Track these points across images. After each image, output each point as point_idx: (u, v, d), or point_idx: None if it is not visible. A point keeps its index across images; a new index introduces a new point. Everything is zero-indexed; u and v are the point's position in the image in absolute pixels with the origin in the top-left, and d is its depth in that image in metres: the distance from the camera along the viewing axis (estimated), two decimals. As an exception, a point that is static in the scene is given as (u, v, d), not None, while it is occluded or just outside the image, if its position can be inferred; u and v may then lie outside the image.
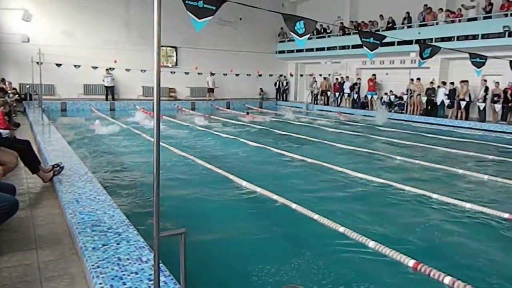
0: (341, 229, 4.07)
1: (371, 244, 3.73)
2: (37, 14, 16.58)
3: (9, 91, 13.60)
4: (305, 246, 3.84)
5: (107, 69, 18.60)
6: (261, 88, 23.91)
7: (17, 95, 14.69)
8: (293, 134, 11.42)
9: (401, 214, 4.92)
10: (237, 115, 16.29)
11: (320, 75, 22.43)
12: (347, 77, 20.03)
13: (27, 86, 15.63)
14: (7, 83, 14.94)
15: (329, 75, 21.59)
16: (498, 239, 4.28)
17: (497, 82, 14.02)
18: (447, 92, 15.34)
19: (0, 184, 3.48)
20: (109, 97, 18.75)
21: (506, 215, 4.77)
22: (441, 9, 15.92)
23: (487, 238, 4.27)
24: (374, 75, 18.85)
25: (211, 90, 21.34)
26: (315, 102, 21.70)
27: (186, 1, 2.29)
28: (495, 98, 14.05)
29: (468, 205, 5.11)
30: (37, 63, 11.49)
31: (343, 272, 3.36)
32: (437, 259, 3.63)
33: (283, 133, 11.74)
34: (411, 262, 3.36)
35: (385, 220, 4.65)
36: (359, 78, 19.90)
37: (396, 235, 4.17)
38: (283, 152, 8.51)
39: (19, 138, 5.64)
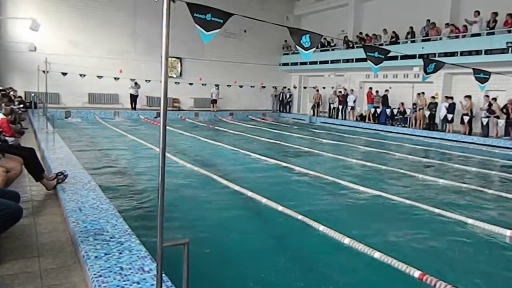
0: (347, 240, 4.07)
1: (377, 254, 3.71)
2: (45, 24, 16.74)
3: (15, 99, 13.69)
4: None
5: (133, 79, 18.86)
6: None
7: (22, 105, 14.78)
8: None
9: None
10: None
11: (324, 87, 22.52)
12: (351, 90, 20.07)
13: (32, 94, 15.73)
14: (12, 91, 15.05)
15: (332, 87, 21.68)
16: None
17: (494, 98, 14.08)
18: (447, 106, 15.39)
19: (5, 191, 3.49)
20: (133, 105, 19.06)
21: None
22: (447, 24, 16.04)
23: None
24: (371, 88, 19.05)
25: (214, 101, 21.50)
26: (313, 114, 21.82)
27: (194, 14, 2.32)
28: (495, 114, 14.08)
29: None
30: (43, 72, 11.58)
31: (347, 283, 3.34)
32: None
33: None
34: (416, 273, 3.34)
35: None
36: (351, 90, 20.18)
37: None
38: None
39: (23, 145, 5.67)
